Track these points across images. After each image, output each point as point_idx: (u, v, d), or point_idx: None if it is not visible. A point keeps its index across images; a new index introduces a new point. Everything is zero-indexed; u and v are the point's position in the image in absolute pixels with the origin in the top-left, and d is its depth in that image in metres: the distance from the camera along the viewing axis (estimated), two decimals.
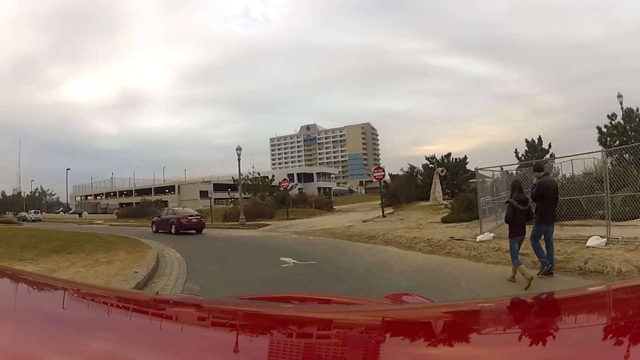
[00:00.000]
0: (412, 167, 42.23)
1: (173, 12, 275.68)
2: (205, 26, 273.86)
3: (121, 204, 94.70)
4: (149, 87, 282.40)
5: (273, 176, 53.56)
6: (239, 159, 35.34)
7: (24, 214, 75.77)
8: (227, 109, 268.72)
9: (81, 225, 49.40)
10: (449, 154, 42.91)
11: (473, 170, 43.62)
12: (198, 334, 1.23)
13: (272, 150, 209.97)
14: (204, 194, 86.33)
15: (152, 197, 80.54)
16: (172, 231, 27.65)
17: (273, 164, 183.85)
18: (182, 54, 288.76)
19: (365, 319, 1.43)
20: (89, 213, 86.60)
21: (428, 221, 24.69)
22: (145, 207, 59.67)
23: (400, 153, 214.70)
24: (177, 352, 1.03)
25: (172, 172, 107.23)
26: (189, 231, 28.13)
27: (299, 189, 56.04)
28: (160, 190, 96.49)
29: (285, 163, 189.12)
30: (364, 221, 27.99)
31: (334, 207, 49.21)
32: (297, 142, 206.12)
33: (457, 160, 42.66)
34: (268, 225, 31.89)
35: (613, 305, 1.29)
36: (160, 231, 28.89)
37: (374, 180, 32.37)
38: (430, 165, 41.74)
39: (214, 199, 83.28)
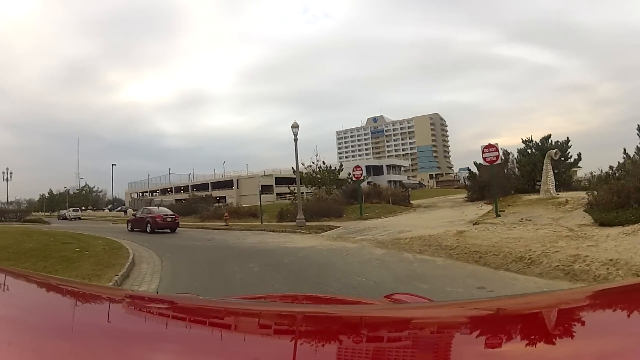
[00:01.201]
0: (506, 153, 33.94)
1: (232, 12, 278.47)
2: (265, 25, 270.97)
3: (177, 200, 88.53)
4: (211, 86, 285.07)
5: (341, 165, 44.59)
6: (295, 140, 26.51)
7: (64, 211, 72.09)
8: (290, 105, 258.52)
9: (115, 224, 42.85)
10: (549, 136, 35.09)
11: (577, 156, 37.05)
12: (198, 333, 1.20)
13: (339, 143, 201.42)
14: (265, 189, 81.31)
15: (210, 193, 75.32)
16: (148, 230, 27.89)
17: (340, 158, 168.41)
18: (243, 53, 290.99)
19: (366, 318, 1.40)
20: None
21: (574, 223, 16.15)
22: (193, 202, 51.86)
23: (467, 146, 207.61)
24: (177, 351, 1.03)
25: (235, 169, 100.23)
26: (164, 230, 28.19)
27: (367, 182, 46.95)
28: (218, 185, 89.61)
29: (353, 156, 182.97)
30: (474, 223, 19.20)
31: (411, 202, 40.69)
32: (365, 134, 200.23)
33: (560, 143, 34.45)
34: (335, 227, 23.06)
35: (614, 305, 1.26)
36: (135, 230, 29.22)
37: (484, 162, 23.30)
38: (528, 150, 34.38)
39: (277, 193, 77.65)
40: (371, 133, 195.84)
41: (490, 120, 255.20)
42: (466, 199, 36.13)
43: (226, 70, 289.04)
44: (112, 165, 77.65)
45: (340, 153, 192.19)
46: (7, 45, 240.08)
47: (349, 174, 35.87)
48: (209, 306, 1.59)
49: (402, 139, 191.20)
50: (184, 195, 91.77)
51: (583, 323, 1.10)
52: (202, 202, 51.48)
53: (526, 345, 0.98)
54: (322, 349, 1.05)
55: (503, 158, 33.63)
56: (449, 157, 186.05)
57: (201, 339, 1.09)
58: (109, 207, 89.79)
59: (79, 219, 64.30)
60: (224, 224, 31.05)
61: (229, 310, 1.48)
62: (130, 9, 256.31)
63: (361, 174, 30.35)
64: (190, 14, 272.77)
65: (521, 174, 33.00)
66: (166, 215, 29.17)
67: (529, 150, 34.32)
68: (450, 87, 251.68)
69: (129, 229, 30.34)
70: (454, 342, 1.07)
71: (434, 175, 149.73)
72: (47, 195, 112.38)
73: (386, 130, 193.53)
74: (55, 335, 1.05)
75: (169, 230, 28.29)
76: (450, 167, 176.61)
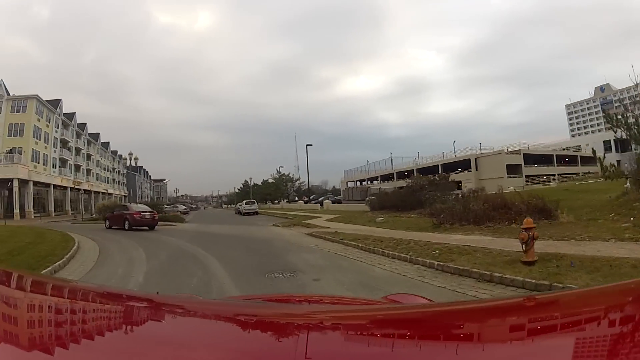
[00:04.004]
0: None
1: None
2: (465, 5, 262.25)
3: (399, 188, 74.00)
4: (426, 73, 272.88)
5: None
6: None
7: (238, 205, 64.21)
8: (508, 85, 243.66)
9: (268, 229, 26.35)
10: None
11: None
12: (198, 333, 1.16)
13: (570, 119, 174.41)
14: (510, 170, 65.01)
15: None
16: (125, 227, 26.39)
17: (572, 135, 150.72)
18: (451, 37, 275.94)
19: (366, 319, 1.38)
20: (356, 200, 64.67)
21: None
22: (416, 191, 29.82)
23: None
24: (177, 351, 1.01)
25: (462, 153, 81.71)
26: (142, 227, 26.58)
27: None
28: (450, 167, 69.62)
29: (586, 132, 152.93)
30: None
31: None
32: (594, 106, 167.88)
33: None
34: None
35: (613, 305, 1.23)
36: (113, 227, 27.55)
37: None
38: None
39: (527, 176, 63.80)
40: (600, 104, 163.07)
41: None
42: None
43: (439, 54, 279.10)
44: (307, 145, 60.00)
45: (572, 130, 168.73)
46: (205, 56, 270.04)
47: None
48: (209, 306, 1.58)
49: (638, 108, 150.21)
50: (407, 182, 75.42)
51: (583, 323, 1.07)
52: (434, 188, 29.26)
53: (527, 345, 0.96)
54: (322, 349, 1.03)
55: None
56: None
57: (201, 339, 1.06)
58: (311, 197, 72.63)
59: (256, 213, 51.67)
60: (523, 254, 9.03)
61: (230, 310, 1.46)
62: (327, 8, 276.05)
63: None
64: (390, 5, 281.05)
65: None
66: (144, 212, 27.94)
67: None
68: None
69: (106, 226, 28.44)
70: (453, 342, 1.05)
71: None
72: (238, 188, 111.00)
73: (615, 100, 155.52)
74: (55, 335, 1.03)
75: (147, 228, 26.74)
76: None
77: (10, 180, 48.88)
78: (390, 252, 12.09)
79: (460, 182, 58.93)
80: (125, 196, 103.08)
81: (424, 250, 11.73)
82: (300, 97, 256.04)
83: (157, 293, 1.74)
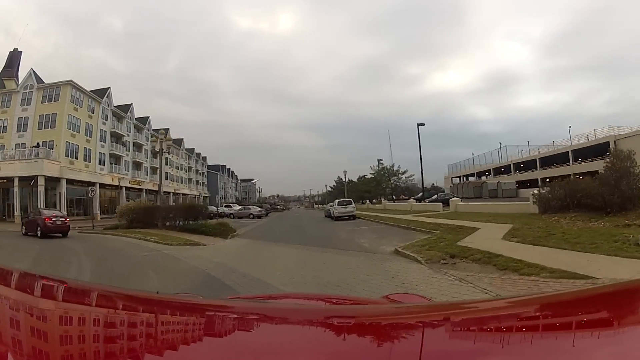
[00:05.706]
0: None
1: None
2: None
3: (520, 182, 66.47)
4: (512, 65, 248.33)
5: None
6: None
7: (329, 205, 54.33)
8: (594, 76, 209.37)
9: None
10: None
11: None
12: (198, 332, 1.19)
13: None
14: None
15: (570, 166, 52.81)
16: (38, 234, 23.74)
17: None
18: (534, 27, 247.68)
19: (366, 318, 1.38)
20: (469, 198, 54.08)
21: None
22: (609, 178, 17.63)
23: None
24: (177, 350, 1.02)
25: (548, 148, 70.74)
26: (55, 234, 23.93)
27: None
28: (581, 153, 58.94)
29: None
30: None
31: None
32: None
33: None
34: None
35: (612, 306, 1.24)
36: (29, 233, 25.07)
37: None
38: None
39: None
40: None
41: None
42: None
43: (524, 45, 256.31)
44: (418, 125, 45.51)
45: None
46: (291, 57, 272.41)
47: None
48: (209, 306, 1.54)
49: None
50: (523, 176, 68.76)
51: (583, 323, 1.08)
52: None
53: (524, 345, 0.96)
54: (322, 347, 1.03)
55: None
56: None
57: (201, 338, 1.10)
58: (420, 195, 56.64)
59: (353, 217, 38.33)
60: None
61: (231, 309, 1.47)
62: (409, 3, 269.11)
63: None
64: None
65: None
66: (56, 217, 24.85)
67: None
68: None
69: (23, 232, 25.97)
70: (453, 341, 1.06)
71: None
72: (331, 186, 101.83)
73: None
74: (54, 334, 1.04)
75: (60, 235, 24.05)
76: None
77: (34, 178, 40.37)
78: None
79: (597, 172, 43.41)
80: (206, 197, 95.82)
81: None
82: (390, 95, 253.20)
83: (157, 292, 1.70)
